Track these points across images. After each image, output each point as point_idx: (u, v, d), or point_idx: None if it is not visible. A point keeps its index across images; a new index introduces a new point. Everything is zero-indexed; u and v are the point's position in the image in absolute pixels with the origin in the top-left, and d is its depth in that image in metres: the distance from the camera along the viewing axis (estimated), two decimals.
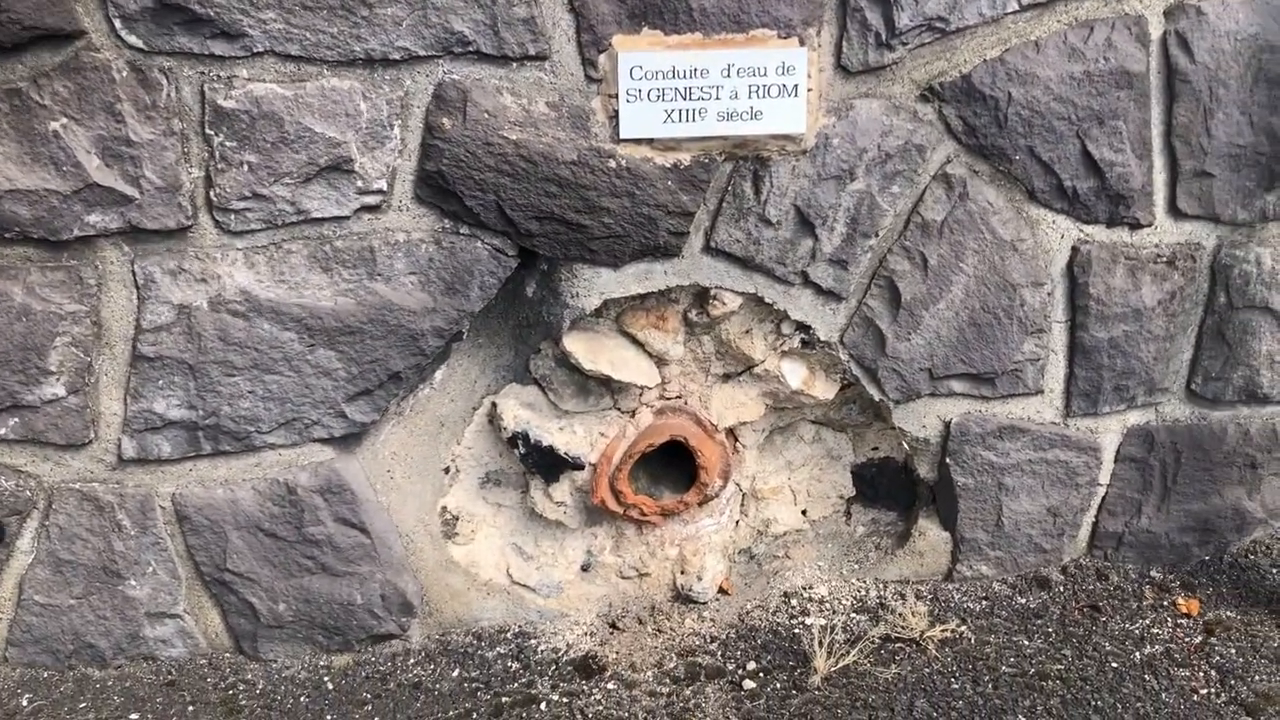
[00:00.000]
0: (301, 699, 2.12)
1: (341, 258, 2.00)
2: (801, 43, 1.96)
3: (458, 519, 2.30)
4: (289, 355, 2.03)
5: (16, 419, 2.01)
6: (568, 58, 1.95)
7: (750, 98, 1.97)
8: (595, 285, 2.09)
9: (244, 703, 2.11)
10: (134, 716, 2.06)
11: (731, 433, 2.35)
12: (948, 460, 2.29)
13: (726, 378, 2.30)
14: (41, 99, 1.85)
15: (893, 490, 2.49)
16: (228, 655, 2.23)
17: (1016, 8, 2.00)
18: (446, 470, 2.29)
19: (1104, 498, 2.38)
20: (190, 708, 2.09)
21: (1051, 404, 2.29)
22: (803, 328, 2.19)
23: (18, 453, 2.05)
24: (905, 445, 2.33)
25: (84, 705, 2.09)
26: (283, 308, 2.00)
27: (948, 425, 2.28)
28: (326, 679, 2.17)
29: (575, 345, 2.13)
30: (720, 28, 1.94)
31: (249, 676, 2.18)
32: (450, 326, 2.07)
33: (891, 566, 2.40)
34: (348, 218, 1.99)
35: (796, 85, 1.97)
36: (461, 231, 2.02)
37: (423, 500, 2.25)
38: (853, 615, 2.29)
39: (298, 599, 2.18)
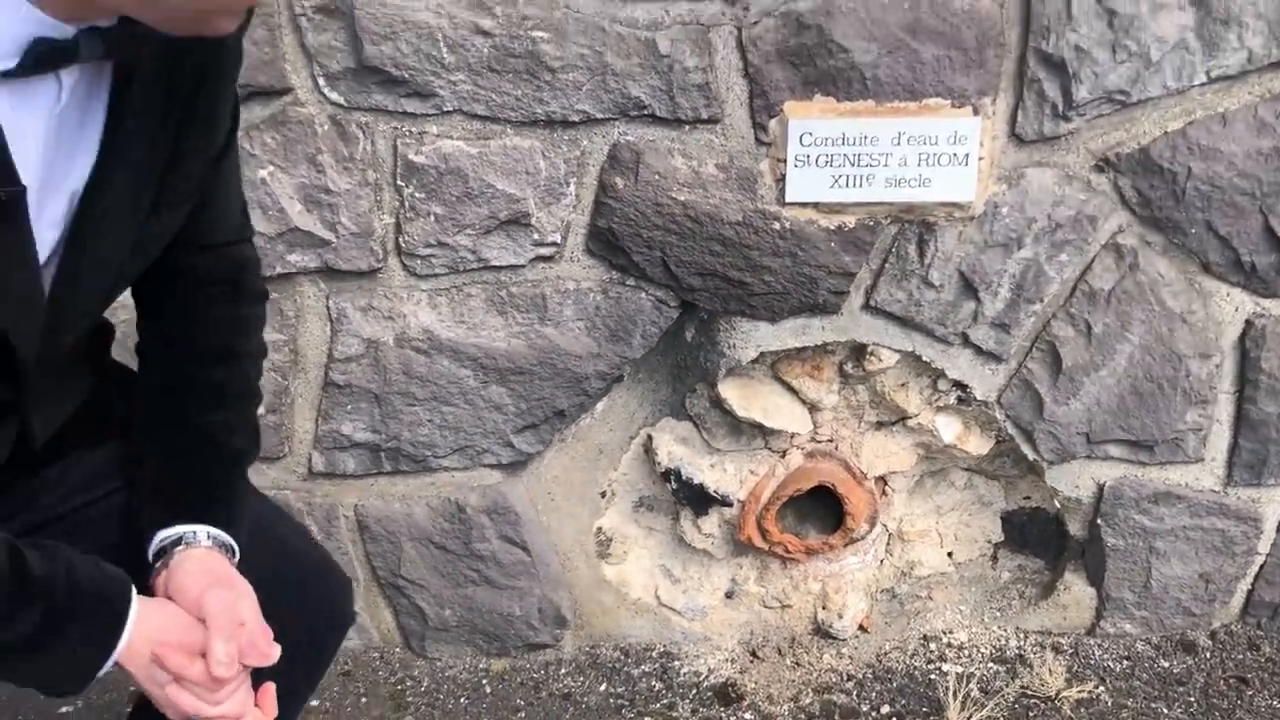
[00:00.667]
0: (461, 700, 2.31)
1: (516, 303, 2.13)
2: (975, 112, 1.96)
3: (611, 540, 2.43)
4: (464, 390, 2.18)
5: None
6: (739, 122, 2.00)
7: (919, 165, 1.99)
8: (752, 338, 2.16)
9: (410, 699, 2.31)
10: (314, 703, 2.29)
11: (881, 476, 2.40)
12: (1099, 521, 2.29)
13: (879, 426, 2.34)
14: (253, 149, 2.01)
15: (1042, 539, 2.50)
16: (398, 650, 2.44)
17: (1204, 80, 1.95)
18: (603, 494, 2.43)
19: (1262, 566, 2.34)
20: (363, 700, 2.31)
21: (1212, 473, 2.26)
22: (960, 386, 2.22)
23: None
24: (1057, 503, 2.34)
25: None
26: (461, 347, 2.14)
27: (1101, 487, 2.27)
28: (485, 682, 2.36)
29: (730, 392, 2.22)
30: (893, 96, 1.96)
31: (415, 673, 2.39)
32: (612, 371, 2.18)
33: (1033, 616, 2.42)
34: (523, 266, 2.11)
35: (967, 154, 1.98)
36: (627, 283, 2.12)
37: (579, 521, 2.39)
38: (990, 665, 2.33)
39: (462, 607, 2.37)
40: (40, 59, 0.93)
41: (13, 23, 0.91)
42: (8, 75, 0.93)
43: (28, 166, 0.98)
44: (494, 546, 2.31)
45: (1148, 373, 2.14)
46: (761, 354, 2.18)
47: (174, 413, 1.33)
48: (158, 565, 1.24)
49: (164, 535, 1.25)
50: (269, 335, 2.12)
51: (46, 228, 1.05)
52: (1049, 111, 1.96)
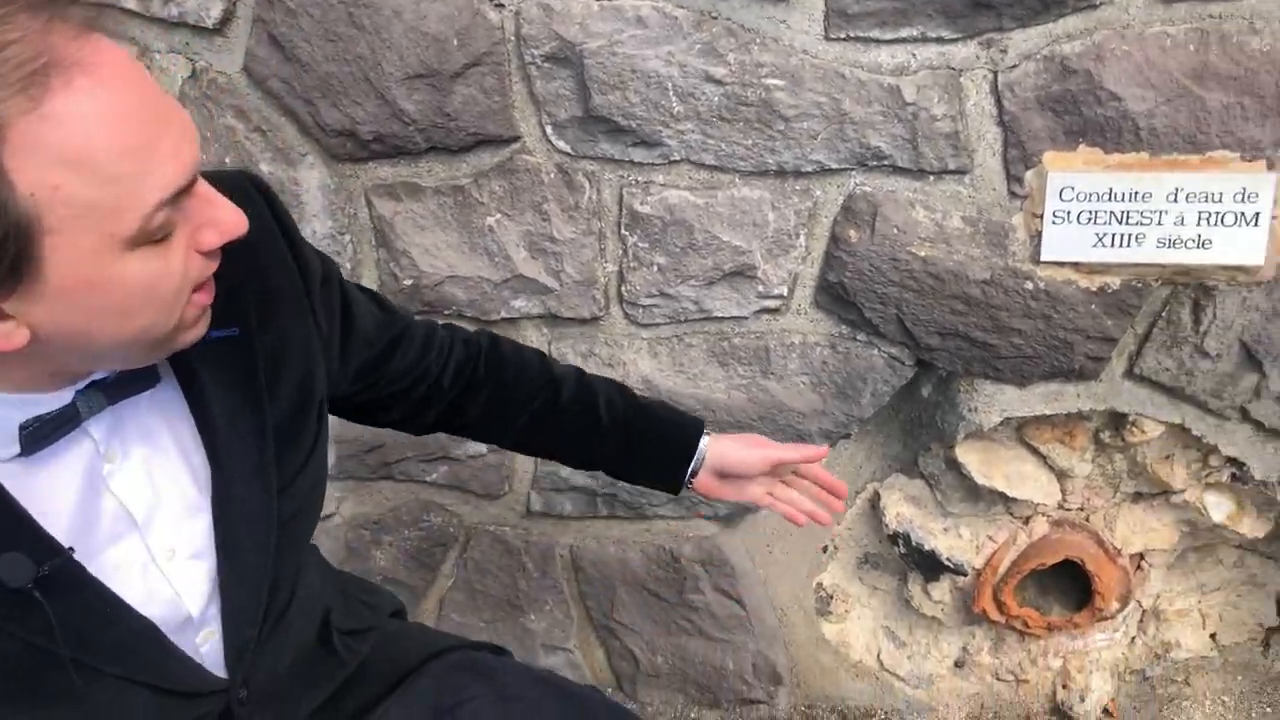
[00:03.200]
0: None
1: (737, 354, 2.07)
2: (1270, 166, 1.74)
3: (832, 597, 2.36)
4: None
5: (446, 467, 2.29)
6: (990, 173, 1.86)
7: (1199, 225, 1.79)
8: (996, 402, 2.02)
9: None
10: None
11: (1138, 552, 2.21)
12: None
13: (1138, 498, 2.15)
14: (480, 196, 2.03)
15: None
16: (609, 690, 2.46)
17: None
18: (824, 549, 2.35)
19: None
20: None
21: None
22: (1235, 463, 2.01)
23: (445, 495, 2.35)
24: None
25: None
26: (679, 397, 2.11)
27: None
28: None
29: (968, 456, 2.09)
30: (1171, 148, 1.77)
31: None
32: (837, 430, 2.09)
33: None
34: (746, 318, 2.05)
35: (1258, 214, 1.76)
36: (858, 339, 2.02)
37: (798, 576, 2.33)
38: None
39: (674, 655, 2.35)
40: (41, 434, 0.94)
41: (5, 410, 0.92)
42: (19, 457, 0.94)
43: (90, 523, 0.99)
44: (708, 598, 2.29)
45: None
46: (1006, 419, 2.03)
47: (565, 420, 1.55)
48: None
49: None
50: None
51: (184, 558, 1.07)
52: None
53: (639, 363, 2.11)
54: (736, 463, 1.53)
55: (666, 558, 2.28)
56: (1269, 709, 2.22)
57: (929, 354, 1.99)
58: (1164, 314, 1.88)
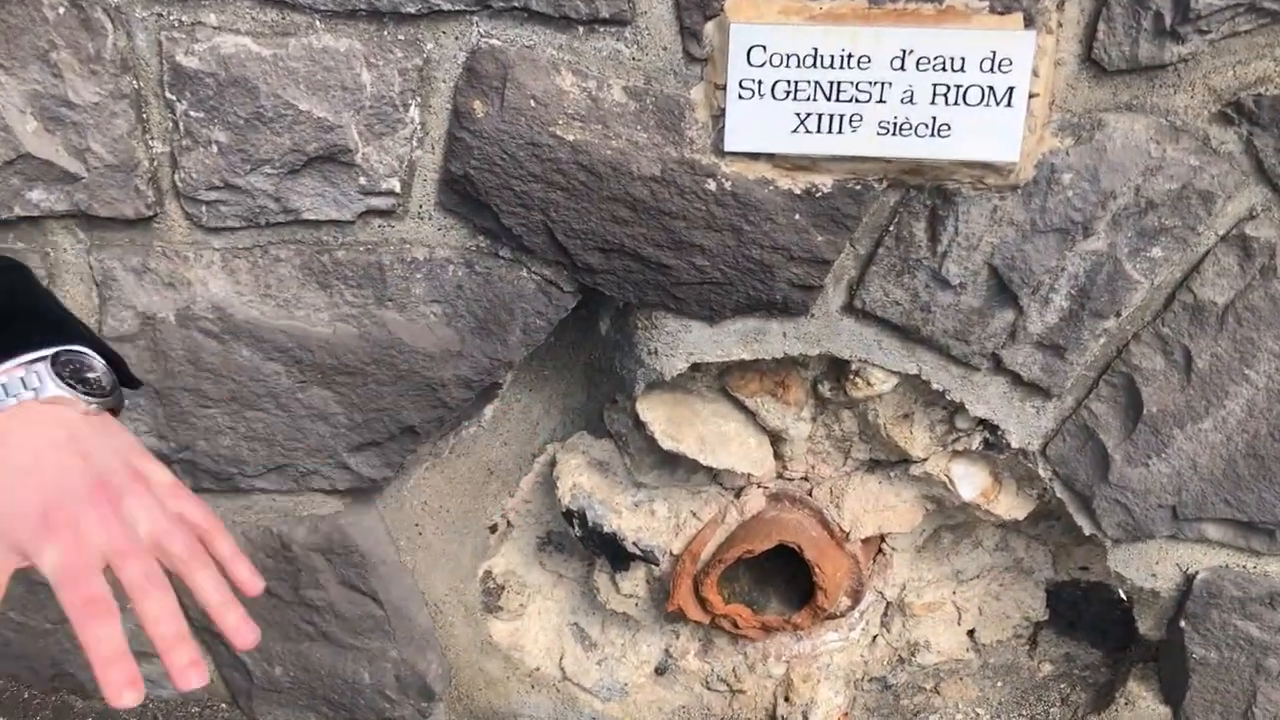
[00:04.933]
0: None
1: (343, 273, 1.55)
2: (1028, 22, 1.28)
3: (503, 589, 1.88)
4: (274, 391, 1.62)
5: None
6: (660, 24, 1.36)
7: (935, 103, 1.32)
8: (682, 342, 1.54)
9: None
10: None
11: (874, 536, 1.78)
12: (1184, 623, 1.66)
13: (873, 466, 1.72)
14: None
15: (1101, 624, 1.87)
16: (224, 706, 1.95)
17: None
18: (493, 528, 1.87)
19: None
20: None
21: None
22: (987, 426, 1.58)
23: None
24: (1122, 592, 1.71)
25: None
26: (264, 332, 1.58)
27: (1190, 579, 1.64)
28: None
29: (652, 412, 1.61)
30: None
31: None
32: (480, 377, 1.59)
33: None
34: (351, 223, 1.52)
35: (1011, 89, 1.30)
36: (501, 255, 1.52)
37: (459, 563, 1.84)
38: None
39: (296, 665, 1.85)
40: None
41: None
42: None
43: None
44: (331, 595, 1.78)
45: (1275, 428, 1.48)
46: (695, 365, 1.56)
47: None
48: None
49: None
50: None
51: None
52: (1150, 25, 1.27)
53: (210, 282, 1.57)
54: None
55: (275, 544, 1.76)
56: None
57: (590, 277, 1.50)
58: (892, 228, 1.43)
